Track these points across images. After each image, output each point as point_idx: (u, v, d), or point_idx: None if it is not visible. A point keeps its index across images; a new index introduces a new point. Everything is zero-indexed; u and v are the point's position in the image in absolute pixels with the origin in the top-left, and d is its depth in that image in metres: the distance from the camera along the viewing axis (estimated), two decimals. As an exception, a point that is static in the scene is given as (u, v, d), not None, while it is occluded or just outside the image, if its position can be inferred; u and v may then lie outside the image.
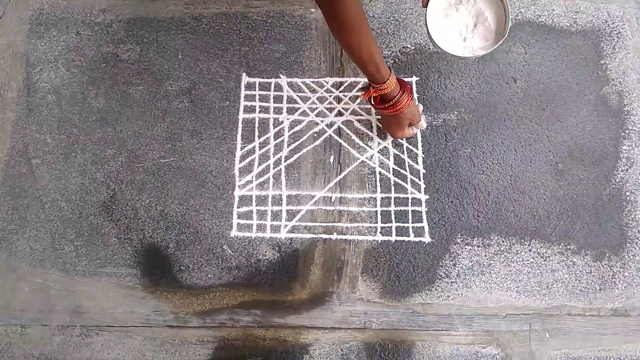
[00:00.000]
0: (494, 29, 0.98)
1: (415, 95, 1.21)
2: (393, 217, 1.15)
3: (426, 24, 0.98)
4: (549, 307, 1.11)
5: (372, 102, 1.05)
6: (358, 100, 1.21)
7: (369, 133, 1.20)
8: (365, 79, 1.14)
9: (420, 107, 1.18)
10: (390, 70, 0.98)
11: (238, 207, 1.16)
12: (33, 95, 1.24)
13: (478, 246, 1.13)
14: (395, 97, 1.00)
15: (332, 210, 1.16)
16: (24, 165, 1.20)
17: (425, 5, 0.98)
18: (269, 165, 1.18)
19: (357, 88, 1.22)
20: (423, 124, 1.16)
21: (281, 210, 1.16)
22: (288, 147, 1.19)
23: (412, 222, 1.14)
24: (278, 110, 1.22)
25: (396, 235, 1.14)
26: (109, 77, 1.25)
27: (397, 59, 1.24)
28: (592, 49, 1.24)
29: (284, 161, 1.18)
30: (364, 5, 1.27)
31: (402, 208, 1.15)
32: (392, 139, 1.19)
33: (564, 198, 1.15)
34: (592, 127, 1.19)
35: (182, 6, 1.29)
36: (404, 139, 1.18)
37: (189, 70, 1.24)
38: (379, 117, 1.20)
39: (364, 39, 0.90)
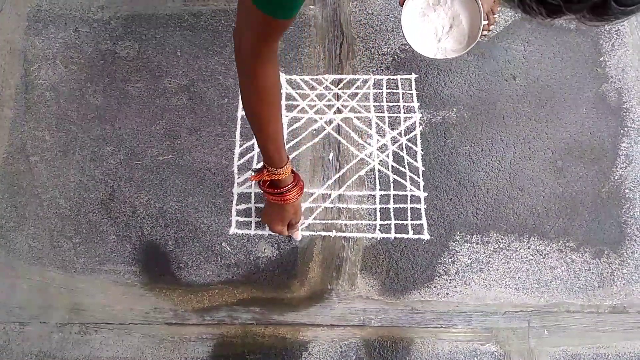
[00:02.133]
0: (467, 32, 0.98)
1: (416, 107, 1.21)
2: (392, 214, 1.15)
3: (401, 23, 0.98)
4: (547, 304, 1.11)
5: (261, 185, 0.99)
6: (357, 98, 1.21)
7: (368, 130, 1.20)
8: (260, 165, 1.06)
9: (302, 207, 1.14)
10: (288, 158, 0.94)
11: (237, 205, 1.16)
12: (31, 93, 1.24)
13: (477, 243, 1.13)
14: (287, 186, 0.97)
15: (331, 208, 1.16)
16: (22, 162, 1.19)
17: (402, 4, 0.98)
18: (267, 162, 1.18)
19: (355, 100, 1.22)
20: (299, 234, 1.12)
21: (280, 208, 1.15)
22: (287, 144, 1.19)
23: (411, 220, 1.14)
24: (277, 108, 1.21)
25: (395, 233, 1.14)
26: (107, 74, 1.24)
27: (396, 57, 1.24)
28: (591, 46, 1.24)
29: (283, 158, 1.18)
30: (363, 2, 1.27)
31: (401, 205, 1.15)
32: (390, 135, 1.18)
33: (563, 195, 1.16)
34: (591, 124, 1.19)
35: (180, 3, 1.29)
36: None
37: (187, 67, 1.24)
38: (378, 114, 1.20)
39: (274, 114, 0.85)
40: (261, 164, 0.98)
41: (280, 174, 0.93)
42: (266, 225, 1.10)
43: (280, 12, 0.66)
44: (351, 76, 1.23)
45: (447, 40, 0.99)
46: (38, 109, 1.23)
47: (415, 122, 1.20)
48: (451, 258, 1.13)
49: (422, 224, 1.14)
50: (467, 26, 0.98)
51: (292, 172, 0.98)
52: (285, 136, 1.19)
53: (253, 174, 0.97)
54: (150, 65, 1.24)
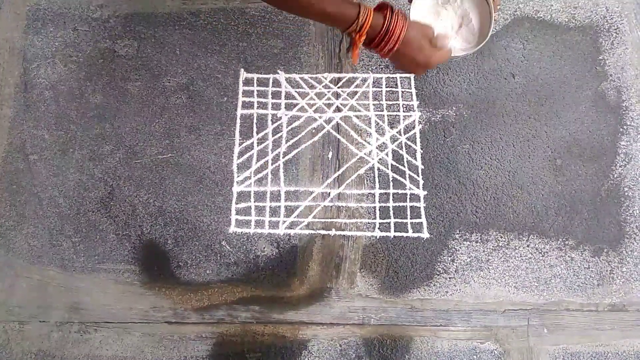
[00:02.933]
0: (477, 31, 0.98)
1: (415, 105, 1.21)
2: (391, 213, 1.15)
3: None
4: (547, 303, 1.11)
5: (371, 49, 0.84)
6: (357, 96, 1.21)
7: (368, 129, 1.20)
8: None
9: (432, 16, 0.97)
10: (359, 4, 0.80)
11: (236, 203, 1.16)
12: (30, 92, 1.23)
13: (476, 242, 1.13)
14: (385, 24, 0.80)
15: (331, 206, 1.16)
16: (21, 161, 1.19)
17: (410, 1, 0.98)
18: (267, 161, 1.18)
19: (355, 99, 1.22)
20: (449, 31, 0.95)
21: (279, 206, 1.16)
22: (286, 143, 1.19)
23: (411, 218, 1.14)
24: (276, 106, 1.22)
25: (395, 231, 1.14)
26: (107, 73, 1.24)
27: (395, 55, 1.24)
28: (591, 44, 1.24)
29: (283, 157, 1.18)
30: (363, 0, 1.27)
31: (401, 204, 1.15)
32: (390, 133, 1.18)
33: (562, 194, 1.16)
34: (590, 122, 1.19)
35: (179, 2, 1.28)
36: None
37: (186, 66, 1.24)
38: (378, 113, 1.20)
39: None
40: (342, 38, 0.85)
41: (366, 24, 0.79)
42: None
43: None
44: (350, 75, 1.23)
45: (456, 39, 0.99)
46: (37, 107, 1.22)
47: (414, 120, 1.20)
48: (450, 256, 1.13)
49: (422, 222, 1.14)
50: (476, 25, 0.97)
51: (377, 8, 0.83)
52: (284, 134, 1.19)
53: (349, 53, 0.85)
54: (149, 64, 1.24)
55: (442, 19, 0.99)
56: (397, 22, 0.81)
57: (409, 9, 0.97)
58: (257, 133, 1.20)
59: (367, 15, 0.79)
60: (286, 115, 1.21)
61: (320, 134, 1.20)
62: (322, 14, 0.78)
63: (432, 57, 0.87)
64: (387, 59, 0.87)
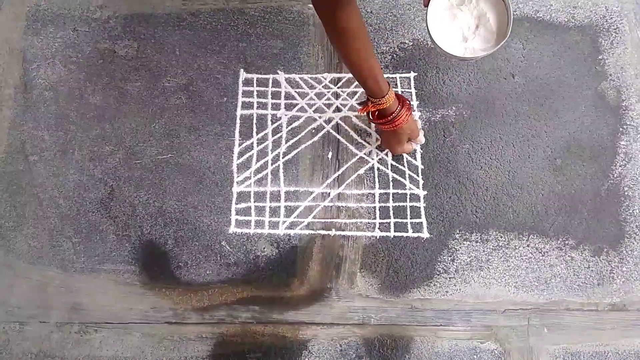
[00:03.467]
0: (495, 30, 0.97)
1: (415, 105, 1.21)
2: (391, 212, 1.15)
3: (427, 24, 0.97)
4: (547, 302, 1.11)
5: (371, 117, 1.05)
6: (356, 97, 1.21)
7: (367, 129, 1.20)
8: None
9: (419, 122, 1.18)
10: (389, 84, 0.97)
11: (236, 204, 1.16)
12: (30, 92, 1.24)
13: (476, 242, 1.13)
14: (394, 112, 0.99)
15: (331, 207, 1.16)
16: (21, 162, 1.19)
17: (427, 5, 0.97)
18: (267, 161, 1.18)
19: (354, 99, 1.22)
20: (422, 138, 1.15)
21: (279, 207, 1.16)
22: (286, 143, 1.19)
23: (411, 218, 1.14)
24: (276, 107, 1.22)
25: (394, 231, 1.14)
26: (106, 73, 1.24)
27: (395, 55, 1.24)
28: (590, 44, 1.24)
29: (282, 157, 1.18)
30: (362, 0, 1.27)
31: (401, 204, 1.15)
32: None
33: (562, 193, 1.16)
34: (590, 122, 1.19)
35: (179, 2, 1.28)
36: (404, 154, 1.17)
37: (186, 66, 1.24)
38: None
39: (364, 51, 0.88)
40: (363, 97, 1.02)
41: (383, 103, 0.96)
42: (387, 150, 1.15)
43: None
44: (350, 75, 1.23)
45: (474, 40, 0.98)
46: (37, 108, 1.22)
47: (414, 120, 1.20)
48: (451, 256, 1.13)
49: (422, 222, 1.14)
50: (494, 24, 0.97)
51: (396, 95, 1.00)
52: (284, 134, 1.19)
53: (358, 107, 1.01)
54: (149, 64, 1.24)
55: (458, 21, 0.99)
56: (404, 113, 1.01)
57: (425, 13, 0.97)
58: (257, 133, 1.20)
59: (391, 97, 0.97)
60: (286, 115, 1.21)
61: (320, 134, 1.20)
62: (369, 71, 0.91)
63: (398, 148, 1.10)
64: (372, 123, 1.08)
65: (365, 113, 1.02)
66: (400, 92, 1.21)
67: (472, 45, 0.98)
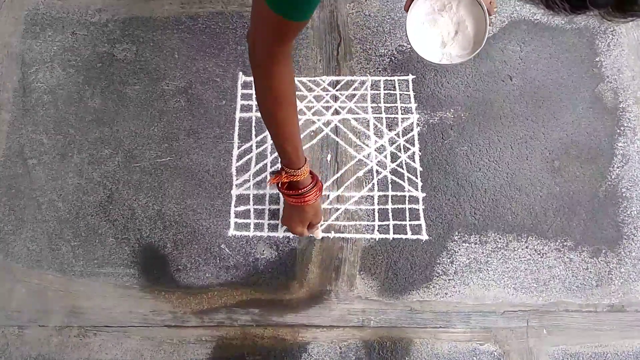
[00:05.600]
0: (472, 37, 0.98)
1: (414, 107, 1.22)
2: (390, 215, 1.15)
3: (406, 29, 0.98)
4: (546, 304, 1.11)
5: (280, 187, 1.00)
6: (355, 99, 1.22)
7: (366, 131, 1.20)
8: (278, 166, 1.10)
9: (322, 209, 1.12)
10: (306, 159, 0.95)
11: (235, 206, 1.16)
12: (29, 96, 1.24)
13: (475, 243, 1.14)
14: (306, 187, 0.97)
15: (330, 209, 1.16)
16: (20, 165, 1.19)
17: (407, 9, 0.98)
18: (266, 164, 1.18)
19: (353, 101, 1.23)
20: (319, 233, 1.12)
21: (279, 209, 1.16)
22: (285, 145, 1.19)
23: (410, 220, 1.14)
24: (275, 109, 1.22)
25: (394, 233, 1.14)
26: (105, 77, 1.24)
27: (393, 58, 1.24)
28: (587, 46, 1.25)
29: (281, 160, 1.18)
30: (360, 3, 1.28)
31: (400, 206, 1.15)
32: (388, 136, 1.19)
33: (560, 195, 1.16)
34: (587, 124, 1.20)
35: (178, 5, 1.29)
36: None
37: (185, 69, 1.24)
38: (376, 115, 1.20)
39: (290, 115, 0.85)
40: (279, 166, 0.98)
41: (298, 175, 0.94)
42: (285, 227, 1.10)
43: (294, 13, 0.66)
44: (348, 77, 1.23)
45: (452, 46, 0.99)
46: (36, 112, 1.22)
47: (412, 123, 1.20)
48: (450, 258, 1.13)
49: (421, 224, 1.14)
50: (472, 32, 0.98)
51: (310, 172, 0.98)
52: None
53: (270, 177, 0.96)
54: (147, 67, 1.25)
55: (438, 26, 0.99)
56: (315, 191, 0.99)
57: (405, 17, 0.98)
58: (256, 136, 1.20)
59: (306, 170, 0.95)
60: (285, 118, 1.21)
61: (318, 137, 1.20)
62: (291, 138, 0.88)
63: (298, 227, 1.04)
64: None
65: (275, 183, 0.98)
66: (398, 95, 1.22)
67: (449, 52, 0.99)
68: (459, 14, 0.98)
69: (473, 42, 0.98)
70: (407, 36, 0.98)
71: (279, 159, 0.96)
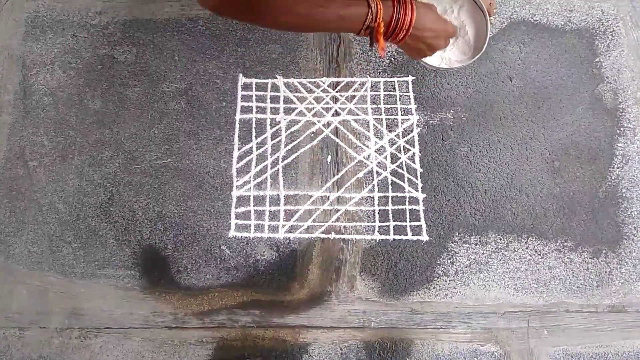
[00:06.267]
0: (472, 43, 0.98)
1: (414, 109, 1.22)
2: (391, 216, 1.15)
3: None
4: (546, 304, 1.11)
5: (387, 40, 0.83)
6: (355, 100, 1.22)
7: (366, 132, 1.20)
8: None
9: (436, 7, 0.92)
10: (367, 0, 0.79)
11: (236, 208, 1.16)
12: (29, 98, 1.24)
13: (476, 244, 1.14)
14: (394, 12, 0.79)
15: (330, 210, 1.16)
16: (20, 167, 1.19)
17: None
18: (266, 165, 1.18)
19: (353, 103, 1.23)
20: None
21: (279, 211, 1.16)
22: (285, 147, 1.19)
23: (410, 221, 1.15)
24: (275, 111, 1.22)
25: (394, 234, 1.14)
26: (106, 79, 1.25)
27: (393, 59, 1.24)
28: (587, 47, 1.25)
29: (282, 161, 1.19)
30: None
31: (400, 207, 1.15)
32: (388, 137, 1.19)
33: (561, 195, 1.16)
34: (587, 124, 1.20)
35: (178, 7, 1.29)
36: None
37: (185, 71, 1.24)
38: (376, 117, 1.20)
39: (314, 1, 0.76)
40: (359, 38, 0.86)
41: (379, 13, 0.78)
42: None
43: None
44: (348, 79, 1.24)
45: (451, 50, 0.99)
46: (36, 114, 1.23)
47: (412, 124, 1.21)
48: (450, 259, 1.13)
49: (421, 225, 1.14)
50: (472, 37, 0.97)
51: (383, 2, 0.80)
52: (283, 138, 1.19)
53: (375, 47, 0.81)
54: (148, 69, 1.25)
55: None
56: (405, 9, 0.80)
57: None
58: (256, 137, 1.20)
59: (377, 5, 0.78)
60: (285, 119, 1.21)
61: (319, 138, 1.20)
62: (336, 19, 0.78)
63: (441, 45, 0.88)
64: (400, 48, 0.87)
65: (383, 46, 0.81)
66: (398, 96, 1.22)
67: (448, 56, 0.99)
68: (459, 19, 0.98)
69: (473, 47, 0.97)
70: None
71: (357, 36, 0.83)
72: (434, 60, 0.98)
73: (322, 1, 0.77)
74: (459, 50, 0.99)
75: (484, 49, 0.94)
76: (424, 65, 0.97)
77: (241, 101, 1.23)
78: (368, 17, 0.78)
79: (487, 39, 0.94)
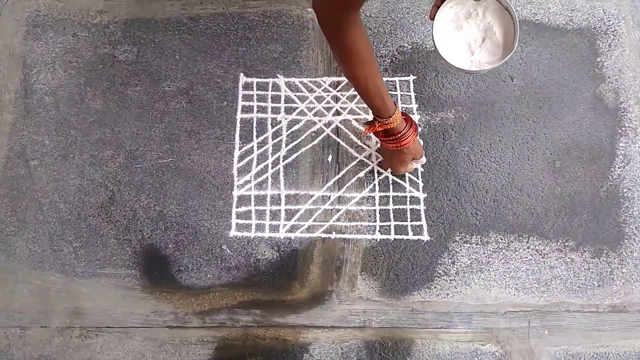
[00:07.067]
0: (501, 43, 0.97)
1: (415, 108, 1.22)
2: (392, 215, 1.15)
3: (433, 37, 0.98)
4: (547, 304, 1.11)
5: (377, 135, 1.03)
6: (356, 100, 1.22)
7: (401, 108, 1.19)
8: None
9: (420, 142, 1.17)
10: (396, 104, 0.96)
11: (237, 207, 1.16)
12: (30, 97, 1.24)
13: (476, 244, 1.14)
14: (401, 132, 0.98)
15: (331, 210, 1.16)
16: (22, 167, 1.20)
17: (433, 18, 0.97)
18: (267, 165, 1.18)
19: (354, 102, 1.23)
20: (423, 159, 1.15)
21: (280, 210, 1.16)
22: (286, 146, 1.19)
23: (411, 221, 1.14)
24: (276, 110, 1.22)
25: (395, 234, 1.14)
26: (107, 78, 1.25)
27: (394, 58, 1.24)
28: (588, 46, 1.25)
29: (282, 161, 1.19)
30: (361, 4, 1.28)
31: (401, 206, 1.15)
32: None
33: (562, 195, 1.16)
34: (588, 124, 1.20)
35: (179, 7, 1.29)
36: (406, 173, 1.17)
37: (186, 70, 1.24)
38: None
39: (370, 71, 0.88)
40: (370, 117, 1.01)
41: (391, 123, 0.95)
42: (389, 169, 1.15)
43: None
44: (350, 78, 1.23)
45: (480, 53, 0.98)
46: (37, 113, 1.23)
47: (413, 123, 1.20)
48: (451, 259, 1.13)
49: (422, 225, 1.14)
50: (501, 38, 0.97)
51: (403, 115, 1.00)
52: (284, 138, 1.19)
53: (364, 127, 1.00)
54: (149, 69, 1.25)
55: (464, 33, 0.99)
56: (412, 133, 1.00)
57: (432, 26, 0.97)
58: (257, 137, 1.20)
59: (398, 116, 0.96)
60: (286, 119, 1.21)
61: (320, 138, 1.20)
62: (375, 91, 0.90)
63: (401, 168, 1.10)
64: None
65: (372, 133, 1.01)
66: (399, 96, 1.22)
67: (478, 58, 0.98)
68: (485, 21, 0.98)
69: (502, 48, 0.97)
70: (434, 45, 0.97)
71: (369, 111, 0.98)
72: (463, 64, 0.98)
73: (375, 77, 0.89)
74: (488, 52, 0.98)
75: (514, 48, 0.93)
76: (455, 70, 0.97)
77: (242, 100, 1.23)
78: (385, 116, 0.95)
79: (517, 37, 0.93)
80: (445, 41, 0.98)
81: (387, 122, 0.95)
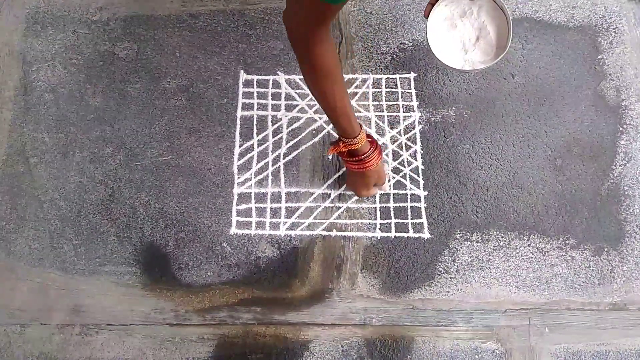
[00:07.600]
0: (495, 43, 0.97)
1: (415, 106, 1.21)
2: (392, 213, 1.15)
3: (427, 36, 0.97)
4: (548, 302, 1.11)
5: (341, 156, 1.02)
6: (356, 97, 1.21)
7: (368, 129, 1.20)
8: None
9: (387, 167, 1.17)
10: (361, 125, 0.95)
11: (237, 205, 1.16)
12: (30, 94, 1.24)
13: (477, 242, 1.13)
14: (366, 153, 0.97)
15: (331, 207, 1.16)
16: (21, 164, 1.19)
17: (427, 16, 0.97)
18: (267, 162, 1.18)
19: (354, 100, 1.22)
20: (386, 186, 1.14)
21: (280, 208, 1.16)
22: (287, 144, 1.19)
23: (411, 218, 1.14)
24: (276, 108, 1.22)
25: (395, 232, 1.14)
26: (107, 75, 1.24)
27: (395, 56, 1.24)
28: (590, 44, 1.24)
29: (283, 158, 1.18)
30: (362, 1, 1.27)
31: (401, 204, 1.15)
32: (390, 134, 1.19)
33: (563, 193, 1.16)
34: (590, 122, 1.20)
35: (179, 4, 1.29)
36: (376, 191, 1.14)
37: (186, 68, 1.24)
38: (378, 113, 1.20)
39: (338, 89, 0.86)
40: (336, 136, 1.00)
41: (355, 144, 0.95)
42: (352, 191, 1.13)
43: None
44: (350, 75, 1.23)
45: (474, 52, 0.98)
46: (37, 110, 1.22)
47: (414, 121, 1.20)
48: (451, 256, 1.13)
49: (422, 222, 1.14)
50: (494, 37, 0.97)
51: (368, 137, 0.99)
52: (284, 135, 1.19)
53: (329, 147, 0.98)
54: (149, 66, 1.24)
55: (458, 31, 0.98)
56: (375, 156, 0.99)
57: (426, 24, 0.97)
58: (258, 134, 1.20)
59: (363, 137, 0.95)
60: (286, 116, 1.21)
61: (320, 135, 1.20)
62: (342, 110, 0.89)
63: (364, 191, 1.07)
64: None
65: (335, 153, 0.99)
66: (400, 93, 1.22)
67: (471, 58, 0.98)
68: (479, 20, 0.97)
69: (496, 48, 0.97)
70: (427, 43, 0.97)
71: (335, 130, 0.98)
72: (457, 62, 0.97)
73: (342, 96, 0.88)
74: (481, 51, 0.97)
75: (507, 48, 0.93)
76: (448, 69, 0.97)
77: (242, 98, 1.22)
78: (350, 137, 0.93)
79: (511, 37, 0.93)
80: (439, 39, 0.98)
81: (351, 142, 0.94)
